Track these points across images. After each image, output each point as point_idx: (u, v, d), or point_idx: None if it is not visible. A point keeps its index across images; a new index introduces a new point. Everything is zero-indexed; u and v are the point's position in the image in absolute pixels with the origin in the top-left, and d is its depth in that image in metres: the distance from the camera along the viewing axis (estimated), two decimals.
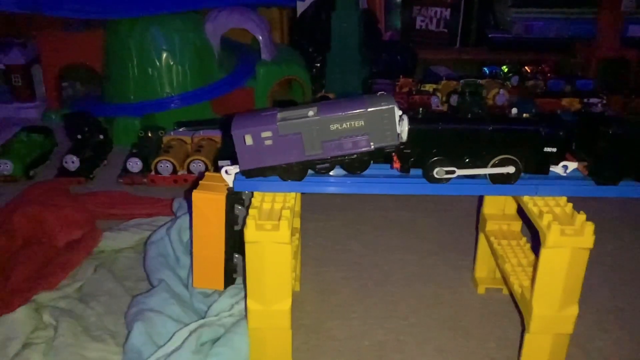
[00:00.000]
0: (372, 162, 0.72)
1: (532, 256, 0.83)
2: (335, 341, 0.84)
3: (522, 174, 0.70)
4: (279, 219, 0.66)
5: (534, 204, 0.71)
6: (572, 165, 0.72)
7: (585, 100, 1.76)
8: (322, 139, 0.68)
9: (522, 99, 1.77)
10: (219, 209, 0.73)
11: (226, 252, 0.76)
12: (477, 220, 1.15)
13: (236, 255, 0.77)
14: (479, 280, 0.96)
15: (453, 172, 0.69)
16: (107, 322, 0.82)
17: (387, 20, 2.39)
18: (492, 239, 0.88)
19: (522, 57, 2.20)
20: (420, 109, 0.70)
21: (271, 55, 1.75)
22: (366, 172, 0.72)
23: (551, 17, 2.27)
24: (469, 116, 0.71)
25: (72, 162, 1.32)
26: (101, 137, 1.46)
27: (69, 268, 0.92)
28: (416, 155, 0.69)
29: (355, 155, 0.69)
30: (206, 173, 0.78)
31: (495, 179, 0.70)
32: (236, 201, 0.74)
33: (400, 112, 0.67)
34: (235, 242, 0.76)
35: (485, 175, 0.70)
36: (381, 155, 0.71)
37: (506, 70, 2.06)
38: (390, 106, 0.66)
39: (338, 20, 1.86)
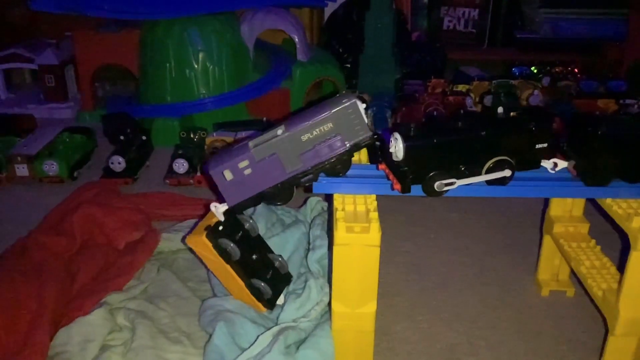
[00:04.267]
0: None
1: (604, 258, 0.83)
2: (407, 344, 0.83)
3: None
4: (368, 222, 0.66)
5: (619, 206, 0.70)
6: (562, 164, 0.72)
7: (621, 101, 1.75)
8: (298, 153, 0.69)
9: (558, 101, 1.76)
10: (207, 248, 0.75)
11: (244, 281, 0.78)
12: (532, 221, 1.15)
13: (262, 284, 0.79)
14: (543, 282, 0.95)
15: (452, 183, 0.68)
16: (180, 324, 0.82)
17: (413, 21, 2.38)
18: (561, 241, 0.87)
19: (550, 58, 2.20)
20: (412, 125, 0.69)
21: (307, 56, 1.75)
22: None
23: (580, 17, 2.26)
24: (459, 124, 0.70)
25: (119, 163, 1.32)
26: (143, 137, 1.46)
27: (134, 269, 0.91)
28: (414, 172, 0.67)
29: (334, 159, 0.69)
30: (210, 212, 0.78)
31: (491, 181, 0.69)
32: (221, 235, 0.75)
33: (364, 106, 0.68)
34: (247, 270, 0.78)
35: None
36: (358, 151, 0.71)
37: (536, 71, 2.05)
38: (352, 101, 0.67)
39: (372, 20, 1.85)
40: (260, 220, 0.97)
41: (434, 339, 0.84)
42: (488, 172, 0.68)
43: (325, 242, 0.90)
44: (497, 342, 0.84)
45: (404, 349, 0.82)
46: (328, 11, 2.19)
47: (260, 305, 0.80)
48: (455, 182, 0.68)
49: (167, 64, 1.61)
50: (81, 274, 0.90)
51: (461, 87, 1.87)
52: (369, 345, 0.72)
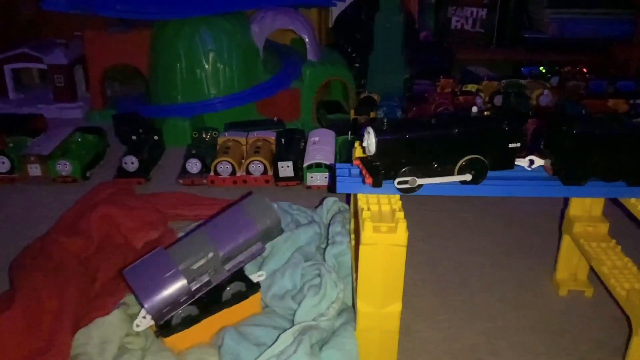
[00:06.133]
0: None
1: (625, 258, 0.82)
2: (427, 344, 0.83)
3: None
4: (395, 222, 0.66)
5: None
6: (539, 162, 0.73)
7: (632, 101, 1.75)
8: (225, 266, 0.75)
9: (567, 101, 1.76)
10: (183, 337, 0.76)
11: (227, 306, 0.79)
12: (547, 221, 1.14)
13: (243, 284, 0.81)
14: (561, 282, 0.95)
15: (414, 181, 0.68)
16: None
17: (420, 20, 2.38)
18: (581, 241, 0.87)
19: (557, 58, 2.19)
20: (385, 120, 0.69)
21: (317, 56, 1.75)
22: None
23: (587, 17, 2.26)
24: (433, 121, 0.70)
25: (132, 163, 1.32)
26: (156, 137, 1.45)
27: None
28: (385, 166, 0.68)
29: (250, 260, 0.78)
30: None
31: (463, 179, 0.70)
32: (170, 321, 0.75)
33: (275, 205, 0.77)
34: (216, 302, 0.79)
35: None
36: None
37: (544, 70, 2.05)
38: (275, 216, 0.76)
39: (382, 20, 1.85)
40: None
41: (455, 339, 0.84)
42: (460, 170, 0.69)
43: (346, 239, 0.89)
44: (518, 342, 0.84)
45: (425, 348, 0.82)
46: (336, 11, 2.19)
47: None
48: (416, 181, 0.68)
49: (178, 64, 1.61)
50: (100, 274, 0.90)
51: (470, 87, 1.87)
52: (394, 345, 0.72)
